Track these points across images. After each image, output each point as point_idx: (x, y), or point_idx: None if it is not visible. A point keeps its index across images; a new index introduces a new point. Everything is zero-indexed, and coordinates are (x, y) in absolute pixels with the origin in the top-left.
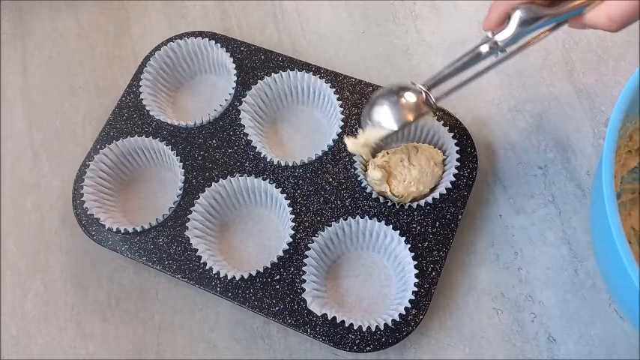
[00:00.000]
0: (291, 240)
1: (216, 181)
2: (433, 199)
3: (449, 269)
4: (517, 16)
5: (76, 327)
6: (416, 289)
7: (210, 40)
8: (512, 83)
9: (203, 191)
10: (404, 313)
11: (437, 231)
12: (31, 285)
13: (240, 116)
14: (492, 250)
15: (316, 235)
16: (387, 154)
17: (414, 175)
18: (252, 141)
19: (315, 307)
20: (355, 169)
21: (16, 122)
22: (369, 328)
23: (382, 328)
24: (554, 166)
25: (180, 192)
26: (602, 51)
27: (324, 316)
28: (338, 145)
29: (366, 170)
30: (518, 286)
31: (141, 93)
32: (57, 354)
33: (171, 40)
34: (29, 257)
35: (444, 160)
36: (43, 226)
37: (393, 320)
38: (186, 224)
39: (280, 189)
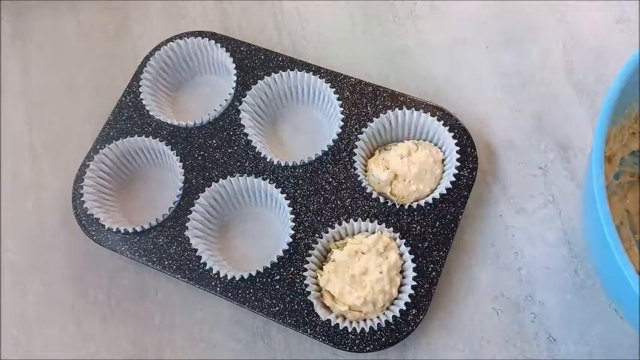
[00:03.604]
0: (291, 240)
1: (216, 181)
2: (433, 199)
3: (449, 269)
4: None
5: (76, 327)
6: (416, 289)
7: (210, 40)
8: (512, 83)
9: (203, 191)
10: (404, 310)
11: (437, 231)
12: (31, 285)
13: (240, 116)
14: (492, 250)
15: (316, 235)
16: (385, 150)
17: (413, 173)
18: (252, 141)
19: (320, 311)
20: (355, 169)
21: (16, 122)
22: (371, 327)
23: (382, 328)
24: (554, 166)
25: (180, 192)
26: (602, 51)
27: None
28: (338, 145)
29: (366, 170)
30: (518, 286)
31: (141, 93)
32: (57, 354)
33: (171, 40)
34: (29, 257)
35: (443, 159)
36: (43, 226)
37: (393, 320)
38: (186, 224)
39: (280, 189)
